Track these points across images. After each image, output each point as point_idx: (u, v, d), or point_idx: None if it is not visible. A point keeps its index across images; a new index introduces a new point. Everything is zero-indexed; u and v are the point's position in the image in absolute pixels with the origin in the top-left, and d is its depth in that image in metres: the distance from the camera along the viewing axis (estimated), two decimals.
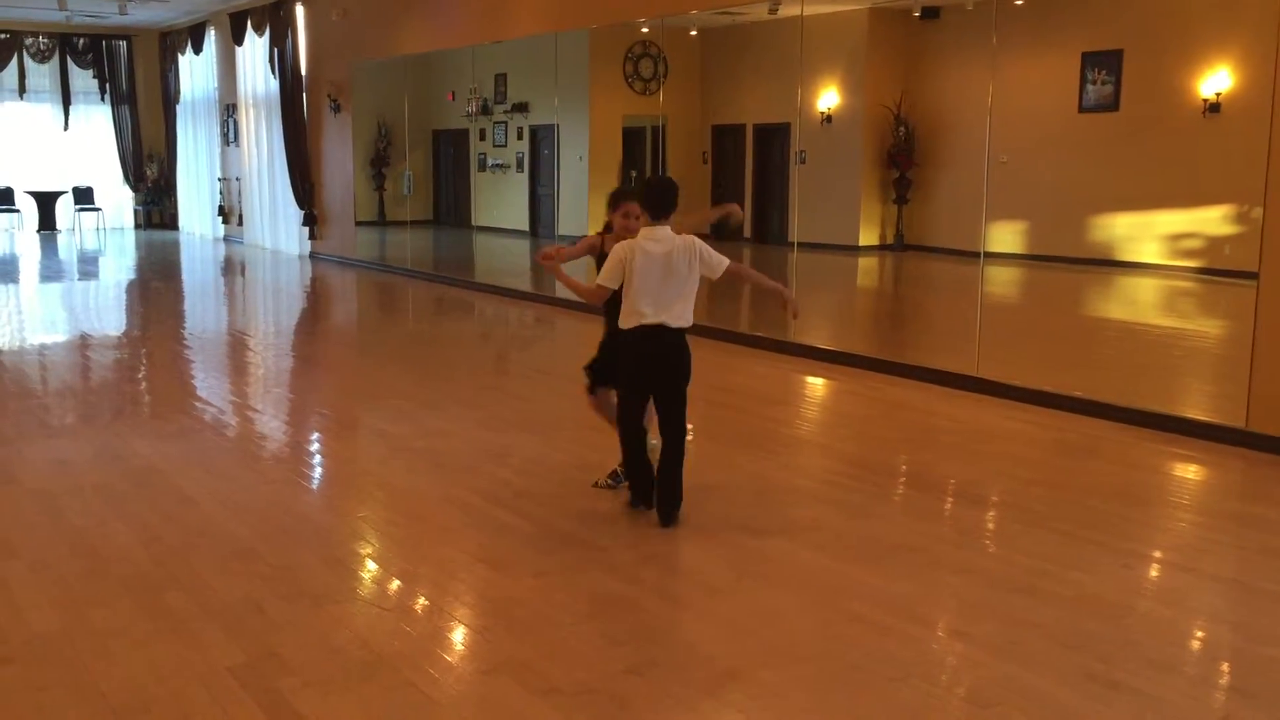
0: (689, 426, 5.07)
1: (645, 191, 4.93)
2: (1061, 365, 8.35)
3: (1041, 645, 3.74)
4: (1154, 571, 4.64)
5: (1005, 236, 10.47)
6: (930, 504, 5.45)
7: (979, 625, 3.92)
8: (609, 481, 5.39)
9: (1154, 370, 8.41)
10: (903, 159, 11.93)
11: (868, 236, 12.48)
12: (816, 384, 8.42)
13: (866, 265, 13.07)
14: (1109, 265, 10.61)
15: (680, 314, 4.82)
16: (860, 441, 6.70)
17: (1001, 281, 10.23)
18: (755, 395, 8.10)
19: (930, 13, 11.58)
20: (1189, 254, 9.95)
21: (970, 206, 8.75)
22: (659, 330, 4.79)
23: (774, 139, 12.87)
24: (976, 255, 8.46)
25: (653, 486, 4.96)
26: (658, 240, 4.77)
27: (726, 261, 4.86)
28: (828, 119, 12.23)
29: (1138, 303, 10.73)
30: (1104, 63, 10.12)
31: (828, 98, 12.23)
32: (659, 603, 4.09)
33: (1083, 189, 10.47)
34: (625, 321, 4.82)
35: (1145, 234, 10.09)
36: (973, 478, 5.89)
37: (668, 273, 4.76)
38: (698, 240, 4.85)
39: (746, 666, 3.58)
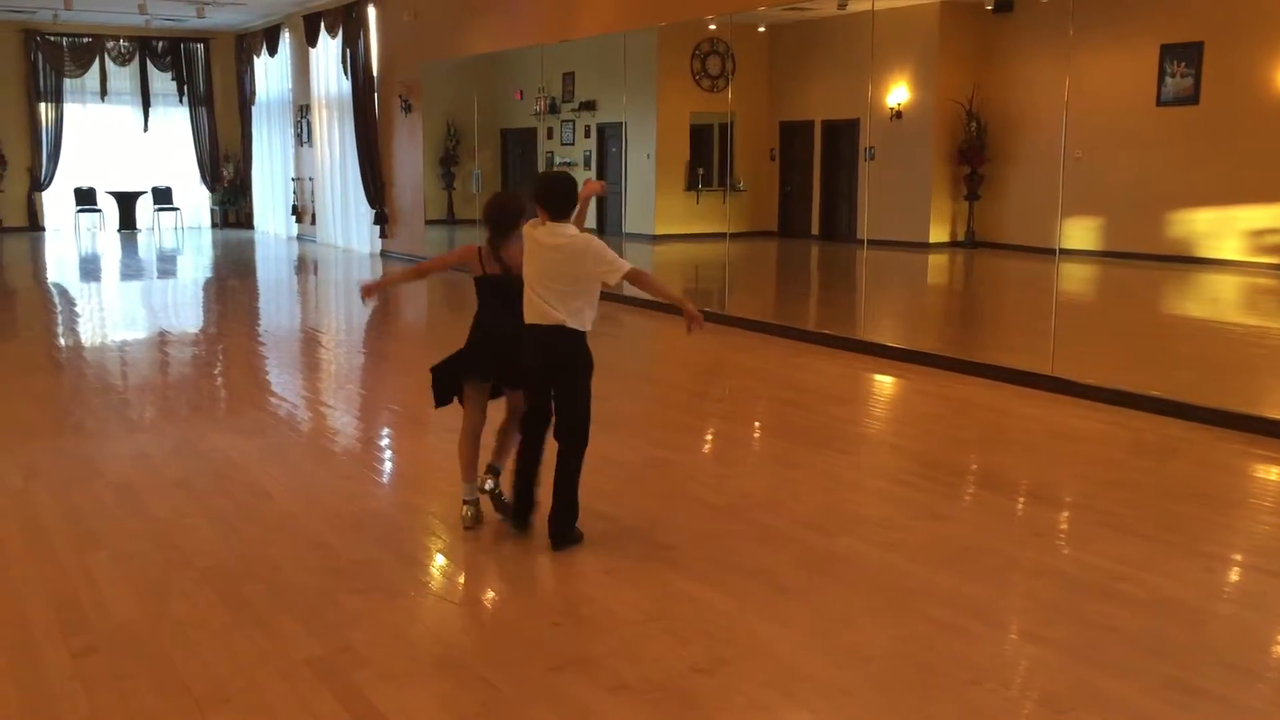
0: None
1: (540, 191, 4.68)
2: (1139, 364, 8.19)
3: (1119, 649, 3.67)
4: (1235, 575, 4.54)
5: (1080, 233, 10.30)
6: (1003, 504, 5.38)
7: (1054, 628, 3.85)
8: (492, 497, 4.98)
9: (1235, 369, 8.20)
10: (974, 154, 11.77)
11: (938, 233, 12.34)
12: (886, 382, 8.34)
13: (937, 262, 12.93)
14: (1188, 262, 10.39)
15: (574, 312, 4.59)
16: (931, 440, 6.62)
17: (1076, 278, 10.07)
18: (823, 393, 8.05)
19: (1003, 6, 11.42)
20: (1271, 250, 9.70)
21: (1044, 202, 8.61)
22: (546, 328, 4.58)
23: (843, 135, 12.79)
24: (1050, 252, 8.32)
25: (530, 507, 4.75)
26: (555, 235, 4.59)
27: (626, 267, 4.60)
28: (897, 115, 12.12)
29: (1218, 300, 10.49)
30: (1183, 55, 9.90)
31: (897, 93, 12.11)
32: (728, 601, 4.08)
33: (1161, 184, 10.26)
34: (524, 316, 4.68)
35: (1226, 230, 9.86)
36: (1047, 478, 5.80)
37: (556, 268, 4.56)
38: (595, 240, 4.64)
39: (817, 666, 3.56)
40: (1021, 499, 5.48)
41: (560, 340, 4.59)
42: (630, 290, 12.51)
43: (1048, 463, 6.09)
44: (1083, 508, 5.32)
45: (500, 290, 4.82)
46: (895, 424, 7.34)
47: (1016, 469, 5.96)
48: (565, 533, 4.65)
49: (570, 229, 4.63)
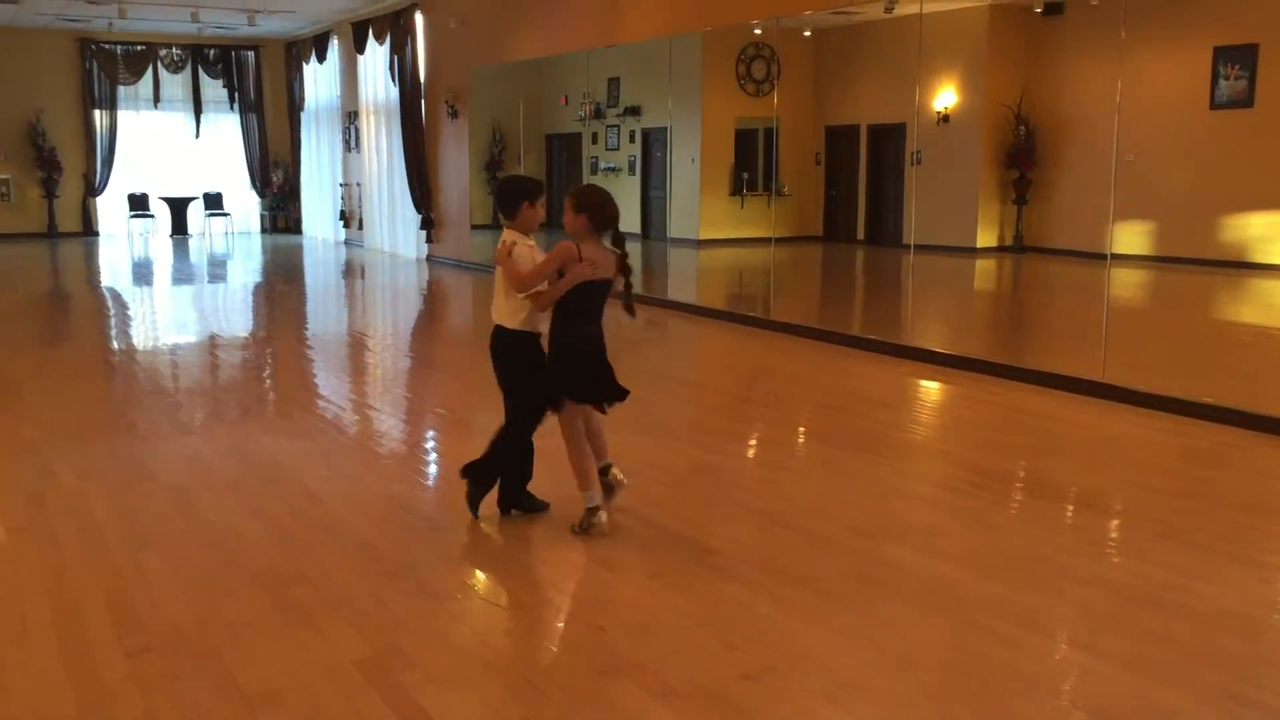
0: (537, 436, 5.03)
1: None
2: (1192, 370, 8.07)
3: (1173, 661, 3.61)
4: None
5: (1131, 238, 10.15)
6: (1053, 512, 5.32)
7: (1106, 638, 3.80)
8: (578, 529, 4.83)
9: None
10: (1023, 158, 11.65)
11: (985, 238, 12.23)
12: (931, 388, 8.28)
13: (984, 267, 12.81)
14: (1242, 267, 10.21)
15: (499, 311, 4.87)
16: (978, 447, 6.56)
17: (1128, 284, 9.93)
18: (868, 398, 8.00)
19: (1053, 8, 11.30)
20: None
21: (1094, 207, 8.49)
22: (494, 326, 4.93)
23: (889, 139, 12.69)
24: (1100, 257, 8.22)
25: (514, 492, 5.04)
26: (501, 238, 4.87)
27: (524, 291, 4.77)
28: (944, 118, 12.02)
29: (1273, 306, 10.29)
30: (1237, 57, 9.75)
31: (945, 97, 12.02)
32: (774, 607, 4.06)
33: (1214, 188, 10.10)
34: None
35: None
36: (1098, 486, 5.72)
37: (499, 270, 4.87)
38: (528, 247, 4.81)
39: (865, 674, 3.54)
40: (1072, 507, 5.42)
41: (506, 341, 4.87)
42: (674, 294, 12.51)
43: (1099, 470, 6.02)
44: (1135, 516, 5.25)
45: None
46: (942, 430, 7.28)
47: (1067, 476, 5.89)
48: (472, 491, 5.02)
49: (513, 234, 4.81)
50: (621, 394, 4.94)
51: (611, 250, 4.85)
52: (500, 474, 5.05)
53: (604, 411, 4.99)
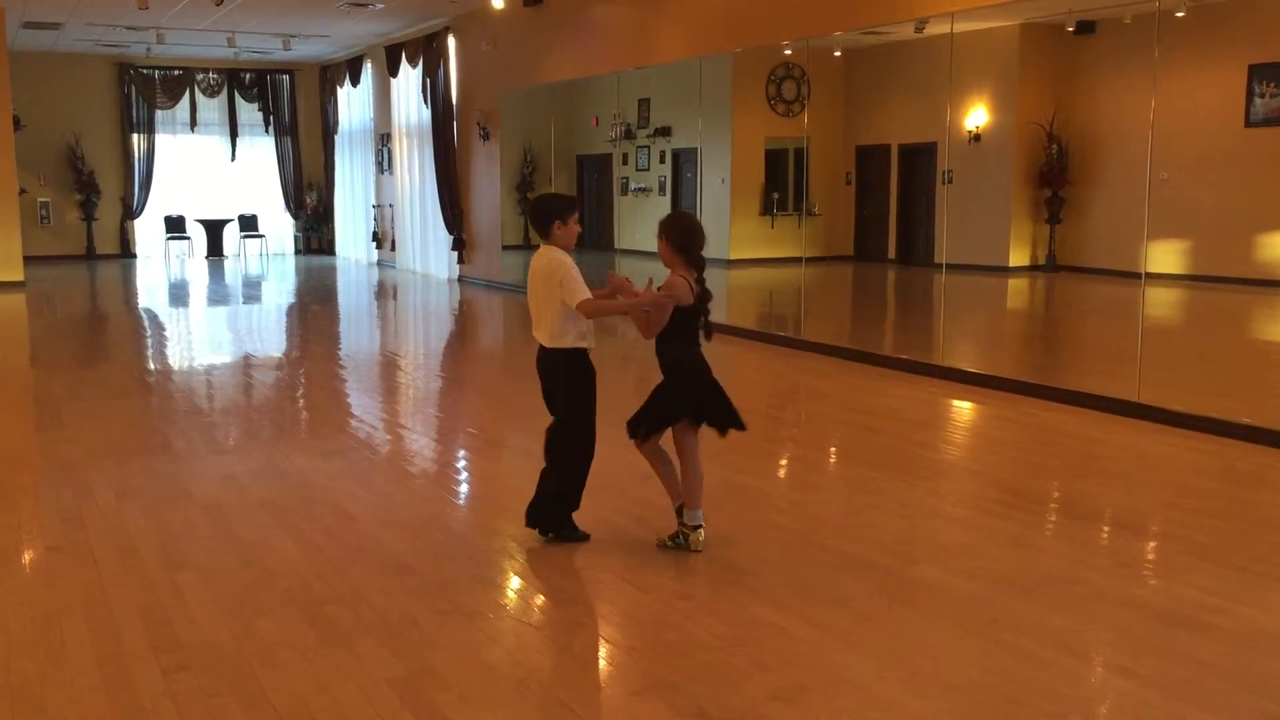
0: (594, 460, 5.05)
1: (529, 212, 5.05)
2: (1229, 390, 7.98)
3: (1212, 684, 3.57)
4: None
5: (1166, 256, 10.08)
6: (1088, 533, 5.27)
7: (1143, 661, 3.76)
8: (669, 542, 4.91)
9: None
10: (1055, 177, 11.61)
11: (1018, 257, 12.18)
12: (964, 408, 8.23)
13: (1016, 286, 12.75)
14: (1278, 286, 10.12)
15: (545, 332, 4.86)
16: (1012, 467, 6.52)
17: (1163, 303, 9.86)
18: (900, 418, 7.97)
19: (1085, 27, 11.27)
20: None
21: (1128, 225, 8.45)
22: (539, 347, 4.93)
23: (920, 159, 12.68)
24: (1134, 276, 8.16)
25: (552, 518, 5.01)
26: (539, 256, 4.87)
27: (580, 298, 4.69)
28: (976, 138, 12.00)
29: None
30: (1273, 75, 9.69)
31: (976, 116, 12.00)
32: (806, 628, 4.05)
33: (1250, 206, 10.02)
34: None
35: None
36: (1134, 507, 5.67)
37: (533, 289, 4.89)
38: (565, 264, 4.76)
39: (898, 696, 3.51)
40: (1107, 528, 5.37)
41: (551, 362, 4.90)
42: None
43: (1135, 491, 5.96)
44: (1172, 537, 5.19)
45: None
46: (975, 450, 7.23)
47: (1102, 497, 5.84)
48: (543, 521, 5.00)
49: (553, 251, 4.83)
50: (738, 422, 4.96)
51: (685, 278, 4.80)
52: (561, 495, 5.01)
53: (722, 434, 4.99)
